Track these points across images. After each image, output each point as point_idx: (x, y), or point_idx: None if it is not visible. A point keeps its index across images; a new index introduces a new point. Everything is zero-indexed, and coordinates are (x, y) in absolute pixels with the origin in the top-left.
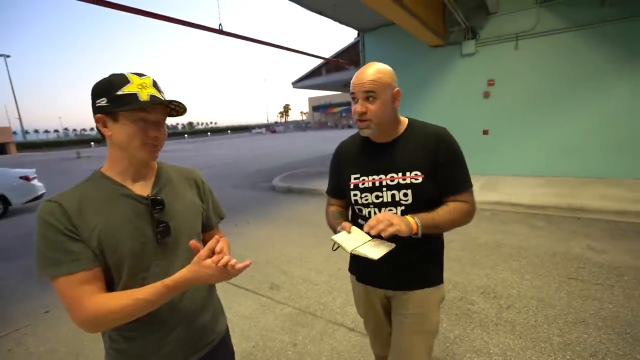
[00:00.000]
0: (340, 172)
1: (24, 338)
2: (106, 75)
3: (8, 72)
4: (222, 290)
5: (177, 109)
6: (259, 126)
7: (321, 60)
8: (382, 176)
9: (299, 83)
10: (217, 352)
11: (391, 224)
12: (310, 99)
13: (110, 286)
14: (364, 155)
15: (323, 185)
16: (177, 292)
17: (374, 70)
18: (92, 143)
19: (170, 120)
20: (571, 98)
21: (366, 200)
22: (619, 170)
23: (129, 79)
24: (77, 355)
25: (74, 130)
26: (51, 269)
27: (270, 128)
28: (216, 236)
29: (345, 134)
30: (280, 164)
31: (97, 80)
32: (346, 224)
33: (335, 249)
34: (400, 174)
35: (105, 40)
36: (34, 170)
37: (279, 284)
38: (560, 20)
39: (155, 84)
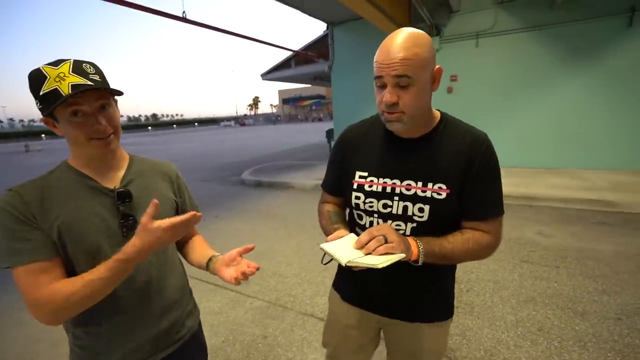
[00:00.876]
0: (343, 165)
1: None
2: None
3: None
4: (190, 286)
5: (108, 90)
6: (228, 119)
7: (290, 53)
8: (397, 181)
9: (268, 75)
10: (188, 347)
11: (385, 242)
12: (281, 92)
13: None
14: (379, 149)
15: (293, 178)
16: (132, 265)
17: (408, 43)
18: (43, 135)
19: (132, 112)
20: (526, 94)
21: (370, 207)
22: (568, 161)
23: (46, 73)
24: None
25: (21, 121)
26: (11, 258)
27: (239, 121)
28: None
29: (316, 127)
30: (249, 158)
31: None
32: (341, 232)
33: (327, 263)
34: (420, 183)
35: (59, 26)
36: None
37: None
38: (516, 20)
39: (77, 69)
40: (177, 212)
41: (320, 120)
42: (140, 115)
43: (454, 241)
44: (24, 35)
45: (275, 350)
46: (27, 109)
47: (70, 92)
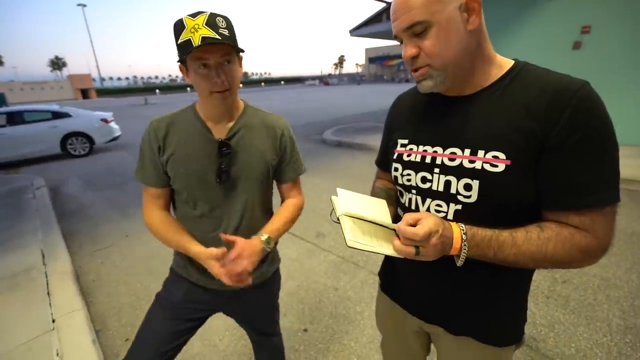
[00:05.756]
0: (389, 135)
1: (110, 254)
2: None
3: (85, 20)
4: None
5: (233, 46)
6: (312, 78)
7: (382, 5)
8: (438, 149)
9: (357, 31)
10: (253, 291)
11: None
12: (368, 50)
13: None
14: (421, 112)
15: (373, 140)
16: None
17: None
18: (157, 91)
19: None
20: None
21: (408, 180)
22: None
23: (185, 24)
24: (150, 272)
25: (142, 78)
26: (138, 175)
27: (323, 80)
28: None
29: (402, 88)
30: (332, 118)
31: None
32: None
33: (336, 221)
34: (467, 151)
35: None
36: (112, 114)
37: (324, 232)
38: None
39: (210, 22)
40: (269, 173)
41: (407, 81)
42: None
43: (521, 237)
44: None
45: (345, 302)
46: (146, 67)
47: (199, 43)
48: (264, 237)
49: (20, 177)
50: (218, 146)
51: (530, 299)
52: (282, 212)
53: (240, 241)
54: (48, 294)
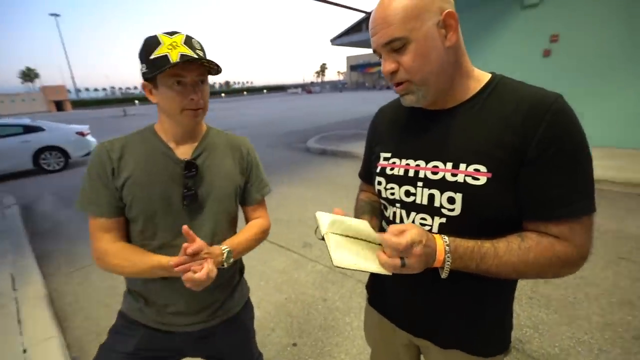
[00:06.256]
0: (371, 149)
1: (89, 274)
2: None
3: (59, 31)
4: (259, 246)
5: (213, 66)
6: (295, 86)
7: (362, 15)
8: (421, 162)
9: (338, 40)
10: (223, 328)
11: (403, 262)
12: (349, 58)
13: (128, 230)
14: (403, 125)
15: (357, 147)
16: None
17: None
18: (136, 101)
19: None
20: None
21: (392, 194)
22: None
23: (160, 40)
24: None
25: (120, 88)
26: (87, 206)
27: (306, 88)
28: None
29: (384, 96)
30: (315, 125)
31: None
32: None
33: (321, 238)
34: (449, 165)
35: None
36: (88, 126)
37: (311, 243)
38: None
39: (188, 42)
40: (236, 195)
41: (388, 88)
42: (215, 83)
43: (503, 247)
44: (126, 9)
45: (334, 313)
46: (124, 77)
47: (178, 60)
48: (224, 248)
49: None
50: (184, 167)
51: (514, 300)
52: (245, 230)
53: (201, 242)
54: (19, 321)
